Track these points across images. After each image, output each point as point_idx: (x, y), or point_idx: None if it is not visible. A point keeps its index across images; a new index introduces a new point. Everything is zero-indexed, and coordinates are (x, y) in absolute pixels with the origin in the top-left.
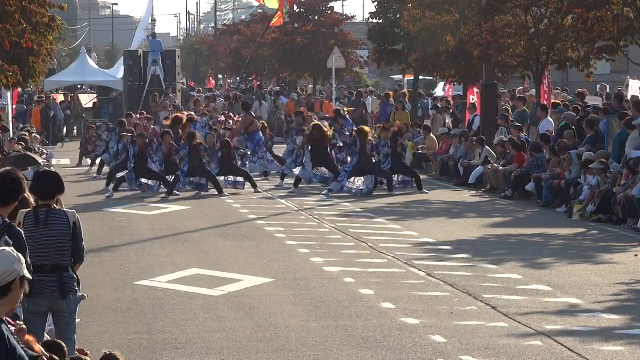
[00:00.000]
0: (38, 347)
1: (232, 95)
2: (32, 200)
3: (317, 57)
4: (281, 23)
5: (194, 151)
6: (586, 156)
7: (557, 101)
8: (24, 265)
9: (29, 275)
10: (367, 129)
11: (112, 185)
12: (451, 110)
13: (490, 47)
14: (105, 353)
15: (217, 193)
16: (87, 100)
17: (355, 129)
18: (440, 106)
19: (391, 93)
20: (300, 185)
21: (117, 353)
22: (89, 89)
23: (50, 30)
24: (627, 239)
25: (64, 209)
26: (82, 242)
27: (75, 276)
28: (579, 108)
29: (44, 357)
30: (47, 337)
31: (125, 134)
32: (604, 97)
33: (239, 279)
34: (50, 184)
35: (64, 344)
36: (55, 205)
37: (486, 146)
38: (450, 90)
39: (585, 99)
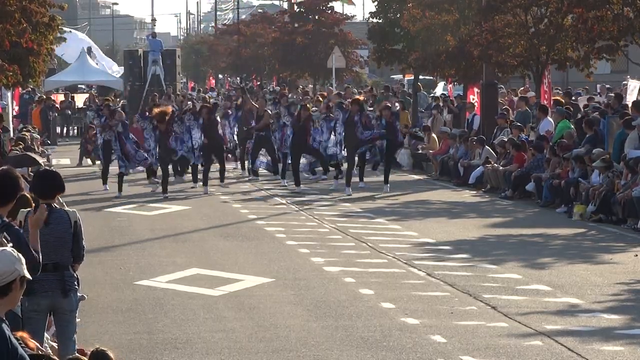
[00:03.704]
0: (32, 343)
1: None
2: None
3: (317, 57)
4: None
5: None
6: (588, 155)
7: (558, 98)
8: (24, 265)
9: (28, 275)
10: (361, 98)
11: (106, 182)
12: (448, 108)
13: (490, 46)
14: (93, 350)
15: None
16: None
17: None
18: (441, 105)
19: (326, 94)
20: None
21: (107, 350)
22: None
23: (50, 30)
24: (627, 239)
25: (65, 208)
26: (82, 241)
27: (75, 275)
28: (577, 107)
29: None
30: (47, 337)
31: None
32: (605, 96)
33: (239, 278)
34: (50, 183)
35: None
36: (55, 205)
37: (486, 146)
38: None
39: (571, 98)
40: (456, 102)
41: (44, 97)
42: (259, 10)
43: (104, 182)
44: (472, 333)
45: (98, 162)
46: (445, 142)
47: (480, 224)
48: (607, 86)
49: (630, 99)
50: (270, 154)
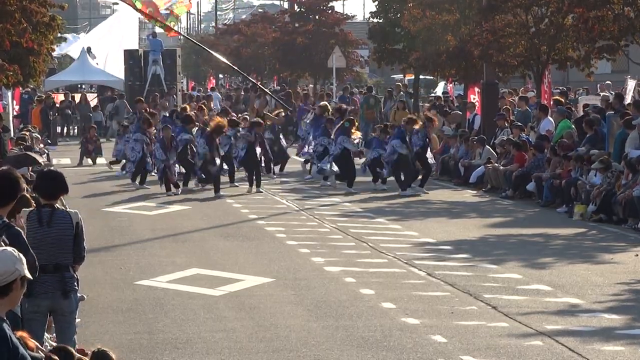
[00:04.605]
0: (32, 343)
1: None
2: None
3: (317, 57)
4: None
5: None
6: (589, 155)
7: (559, 98)
8: (25, 266)
9: (29, 276)
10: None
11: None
12: (445, 108)
13: (491, 46)
14: (95, 350)
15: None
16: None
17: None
18: (442, 105)
19: (310, 95)
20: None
21: (108, 350)
22: (89, 88)
23: (50, 30)
24: (627, 239)
25: (67, 209)
26: (83, 242)
27: (75, 275)
28: (573, 108)
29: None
30: (47, 336)
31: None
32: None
33: (240, 278)
34: (53, 184)
35: (70, 348)
36: (58, 205)
37: (487, 146)
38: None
39: (567, 97)
40: (457, 102)
41: (43, 96)
42: (260, 10)
43: (134, 180)
44: (473, 333)
45: (99, 161)
46: (444, 141)
47: (480, 224)
48: (608, 84)
49: (627, 98)
50: (263, 154)
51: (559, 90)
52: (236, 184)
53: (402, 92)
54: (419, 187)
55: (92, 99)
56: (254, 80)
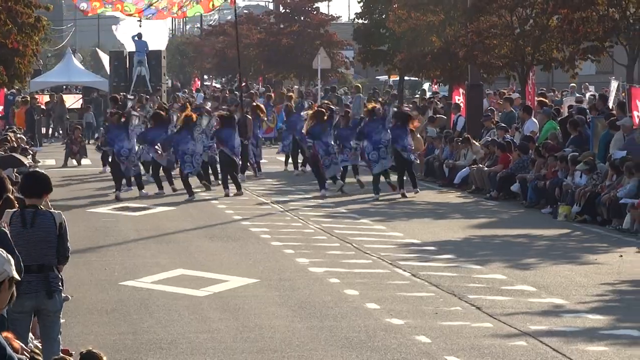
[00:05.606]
0: (17, 344)
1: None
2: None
3: (302, 58)
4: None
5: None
6: (572, 156)
7: (543, 99)
8: (13, 267)
9: (17, 277)
10: (372, 104)
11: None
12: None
13: (476, 47)
14: (83, 352)
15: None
16: (72, 100)
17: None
18: (422, 105)
19: (272, 95)
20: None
21: (97, 351)
22: (74, 89)
23: (35, 31)
24: (611, 240)
25: (51, 210)
26: (67, 242)
27: (60, 276)
28: (559, 110)
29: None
30: (31, 337)
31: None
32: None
33: (224, 279)
34: (38, 184)
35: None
36: (41, 206)
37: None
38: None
39: (546, 98)
40: (441, 103)
41: (28, 98)
42: (245, 11)
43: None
44: (457, 333)
45: (84, 162)
46: (428, 142)
47: (465, 225)
48: (573, 86)
49: (610, 98)
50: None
51: (541, 92)
52: (213, 188)
53: (360, 94)
54: (400, 187)
55: (77, 100)
56: (242, 82)
